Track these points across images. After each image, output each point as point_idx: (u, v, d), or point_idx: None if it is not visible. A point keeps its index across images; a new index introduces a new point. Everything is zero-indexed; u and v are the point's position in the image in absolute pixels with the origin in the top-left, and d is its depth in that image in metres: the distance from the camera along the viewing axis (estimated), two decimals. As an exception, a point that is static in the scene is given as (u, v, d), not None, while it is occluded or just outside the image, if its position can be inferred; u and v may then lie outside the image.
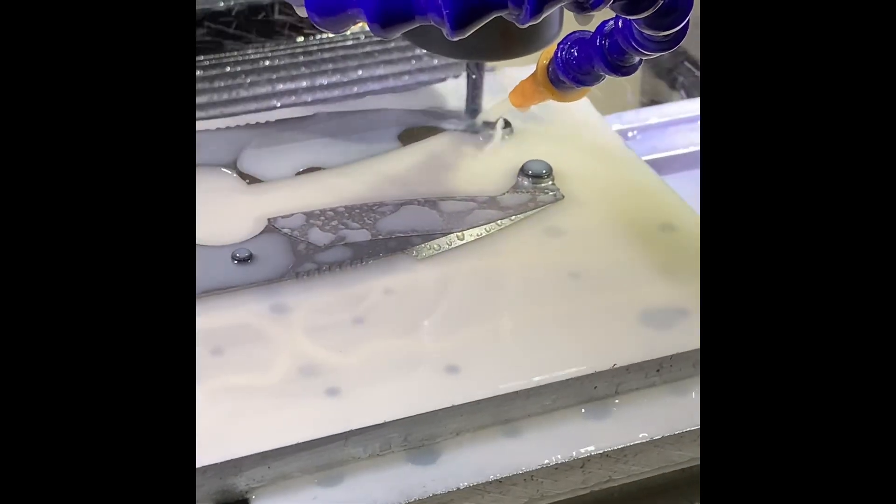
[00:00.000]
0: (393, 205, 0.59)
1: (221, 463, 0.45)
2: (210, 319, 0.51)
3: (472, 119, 0.65)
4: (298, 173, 0.61)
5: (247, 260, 0.54)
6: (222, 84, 0.72)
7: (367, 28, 0.40)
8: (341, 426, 0.46)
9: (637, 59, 0.49)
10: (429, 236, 0.56)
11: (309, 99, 0.72)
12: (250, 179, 0.60)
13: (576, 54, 0.52)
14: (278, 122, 0.65)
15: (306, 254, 0.55)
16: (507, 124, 0.65)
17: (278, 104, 0.71)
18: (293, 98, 0.72)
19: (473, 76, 0.65)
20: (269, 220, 0.57)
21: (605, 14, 0.44)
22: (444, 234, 0.57)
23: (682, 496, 0.53)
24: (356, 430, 0.46)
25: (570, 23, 0.50)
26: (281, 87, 0.73)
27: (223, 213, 0.57)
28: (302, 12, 0.41)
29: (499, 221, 0.58)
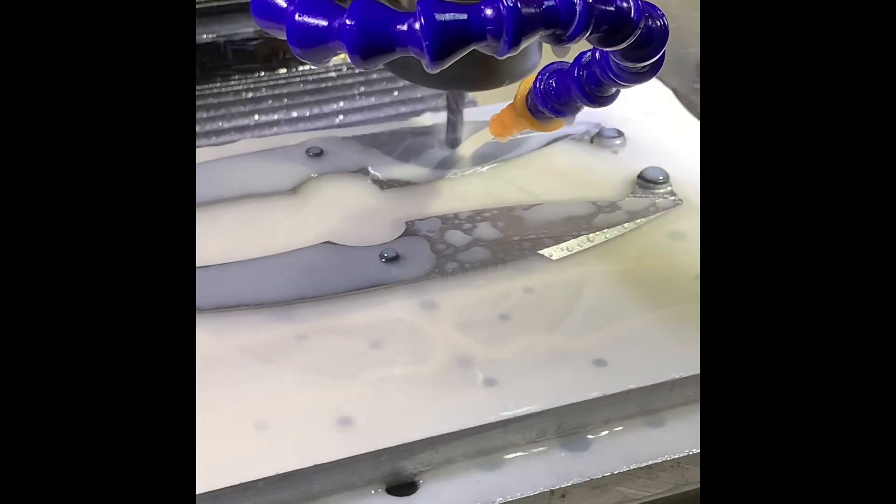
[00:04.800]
0: (521, 208, 0.62)
1: (395, 447, 0.48)
2: (367, 315, 0.54)
3: (452, 150, 0.66)
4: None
5: (394, 259, 0.57)
6: (206, 115, 0.74)
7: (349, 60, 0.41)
8: (500, 414, 0.49)
9: (614, 89, 0.50)
10: (559, 238, 0.59)
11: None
12: (383, 185, 0.63)
13: (554, 85, 0.53)
14: (397, 131, 0.68)
15: (447, 254, 0.58)
16: (619, 134, 0.68)
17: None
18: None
19: (453, 107, 0.64)
20: (406, 223, 0.60)
21: (582, 45, 0.43)
22: (574, 237, 0.60)
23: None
24: (514, 417, 0.49)
25: (548, 55, 0.51)
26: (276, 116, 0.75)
27: (365, 216, 0.60)
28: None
29: (624, 225, 0.61)
